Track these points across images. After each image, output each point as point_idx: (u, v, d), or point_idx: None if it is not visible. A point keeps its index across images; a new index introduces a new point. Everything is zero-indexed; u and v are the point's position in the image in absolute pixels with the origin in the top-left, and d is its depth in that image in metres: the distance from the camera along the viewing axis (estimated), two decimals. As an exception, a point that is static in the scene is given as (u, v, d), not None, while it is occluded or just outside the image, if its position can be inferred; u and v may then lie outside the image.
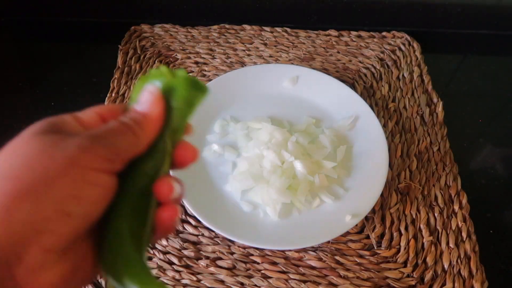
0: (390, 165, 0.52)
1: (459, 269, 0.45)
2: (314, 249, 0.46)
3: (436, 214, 0.49)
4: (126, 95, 0.58)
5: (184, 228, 0.47)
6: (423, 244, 0.47)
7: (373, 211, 0.49)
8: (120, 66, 0.62)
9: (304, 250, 0.46)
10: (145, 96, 0.24)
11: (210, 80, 0.60)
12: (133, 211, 0.22)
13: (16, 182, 0.19)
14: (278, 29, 0.68)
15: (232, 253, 0.46)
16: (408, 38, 0.68)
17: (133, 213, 0.22)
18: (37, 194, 0.19)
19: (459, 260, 0.46)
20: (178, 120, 0.24)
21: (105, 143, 0.21)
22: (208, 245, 0.46)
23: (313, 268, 0.45)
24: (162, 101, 0.24)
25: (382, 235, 0.48)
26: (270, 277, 0.44)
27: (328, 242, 0.47)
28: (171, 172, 0.43)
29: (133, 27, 0.68)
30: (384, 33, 0.69)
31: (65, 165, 0.19)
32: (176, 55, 0.64)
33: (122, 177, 0.22)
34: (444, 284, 0.44)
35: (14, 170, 0.19)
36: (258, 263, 0.45)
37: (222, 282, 0.44)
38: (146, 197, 0.23)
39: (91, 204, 0.20)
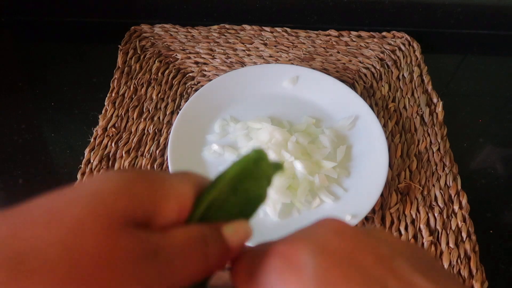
0: (390, 165, 0.52)
1: (459, 269, 0.45)
2: (314, 249, 0.46)
3: (436, 214, 0.49)
4: (126, 95, 0.58)
5: (184, 228, 0.47)
6: (423, 244, 0.47)
7: (373, 211, 0.49)
8: (120, 66, 0.62)
9: (304, 250, 0.46)
10: (240, 231, 0.20)
11: (210, 80, 0.60)
12: None
13: None
14: (278, 29, 0.68)
15: (232, 253, 0.46)
16: (408, 38, 0.68)
17: None
18: None
19: (459, 260, 0.46)
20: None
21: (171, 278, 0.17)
22: (208, 245, 0.46)
23: (313, 268, 0.45)
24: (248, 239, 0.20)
25: (382, 235, 0.48)
26: (270, 277, 0.44)
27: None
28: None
29: (133, 27, 0.68)
30: (384, 33, 0.69)
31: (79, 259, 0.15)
32: (176, 55, 0.64)
33: None
34: (444, 284, 0.44)
35: None
36: (258, 263, 0.45)
37: (222, 282, 0.43)
38: None
39: None
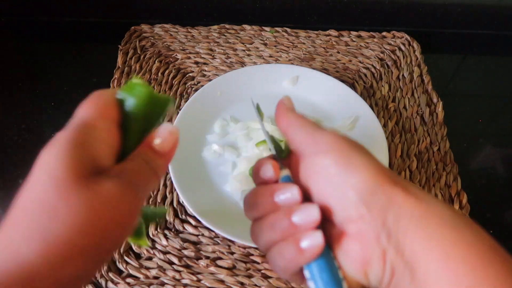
0: (390, 165, 0.52)
1: (459, 269, 0.45)
2: (314, 249, 0.46)
3: (436, 214, 0.49)
4: (126, 95, 0.58)
5: (184, 228, 0.47)
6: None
7: (373, 211, 0.49)
8: (120, 66, 0.62)
9: (304, 250, 0.46)
10: (167, 136, 0.25)
11: (210, 80, 0.60)
12: None
13: (62, 244, 0.20)
14: (278, 29, 0.68)
15: (232, 253, 0.46)
16: (408, 38, 0.68)
17: None
18: (84, 254, 0.20)
19: (459, 260, 0.46)
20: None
21: (140, 195, 0.23)
22: (208, 245, 0.46)
23: (313, 268, 0.45)
24: (178, 142, 0.25)
25: (382, 235, 0.48)
26: (270, 277, 0.44)
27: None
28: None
29: (133, 27, 0.68)
30: (384, 33, 0.69)
31: (104, 226, 0.21)
32: (176, 55, 0.64)
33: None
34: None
35: (55, 230, 0.20)
36: (258, 263, 0.45)
37: (222, 282, 0.44)
38: None
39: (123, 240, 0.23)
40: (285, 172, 0.26)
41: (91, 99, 0.25)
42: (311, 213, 0.23)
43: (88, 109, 0.24)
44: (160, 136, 0.25)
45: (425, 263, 0.21)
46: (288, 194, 0.24)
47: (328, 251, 0.23)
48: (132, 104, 0.25)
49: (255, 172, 0.27)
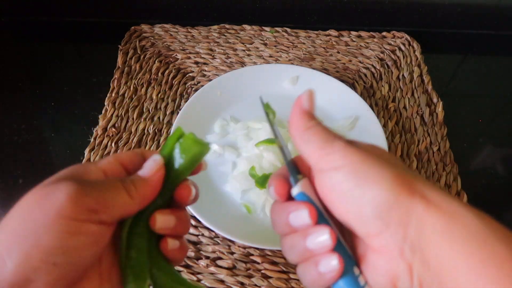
0: (390, 165, 0.52)
1: (459, 269, 0.45)
2: (314, 249, 0.46)
3: (436, 214, 0.49)
4: (126, 95, 0.58)
5: (184, 228, 0.47)
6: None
7: (373, 211, 0.49)
8: (120, 66, 0.62)
9: (304, 250, 0.46)
10: (149, 164, 0.26)
11: (210, 80, 0.60)
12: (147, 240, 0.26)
13: (11, 233, 0.21)
14: (278, 29, 0.68)
15: (232, 253, 0.46)
16: (408, 38, 0.68)
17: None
18: (26, 246, 0.20)
19: (459, 260, 0.46)
20: (181, 173, 0.27)
21: (94, 195, 0.23)
22: (208, 245, 0.46)
23: (313, 268, 0.45)
24: (162, 170, 0.26)
25: (382, 235, 0.48)
26: (270, 277, 0.44)
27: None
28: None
29: (133, 27, 0.68)
30: (384, 33, 0.69)
31: (52, 217, 0.21)
32: (176, 55, 0.64)
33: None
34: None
35: (12, 222, 0.21)
36: (258, 263, 0.45)
37: (222, 282, 0.44)
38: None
39: (77, 253, 0.22)
40: (299, 189, 0.25)
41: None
42: (322, 238, 0.23)
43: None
44: (145, 164, 0.26)
45: (452, 280, 0.20)
46: (300, 217, 0.24)
47: (352, 269, 0.23)
48: (181, 163, 0.27)
49: (270, 188, 0.26)
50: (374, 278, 0.23)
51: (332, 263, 0.22)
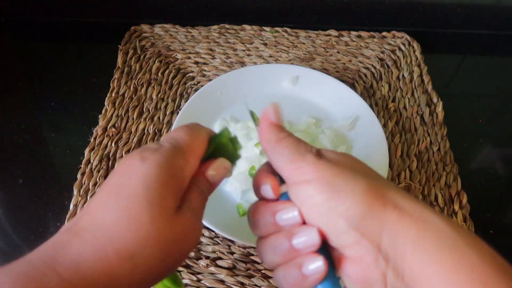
0: (390, 165, 0.52)
1: (459, 269, 0.45)
2: (314, 249, 0.46)
3: (436, 214, 0.49)
4: (126, 95, 0.58)
5: (184, 228, 0.47)
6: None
7: (373, 211, 0.49)
8: (120, 66, 0.62)
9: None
10: (221, 172, 0.28)
11: (210, 80, 0.60)
12: None
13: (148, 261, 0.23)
14: (278, 29, 0.68)
15: (232, 253, 0.46)
16: (408, 38, 0.68)
17: None
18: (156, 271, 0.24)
19: (459, 260, 0.46)
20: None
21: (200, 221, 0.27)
22: (208, 245, 0.46)
23: (313, 268, 0.45)
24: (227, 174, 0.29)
25: (382, 235, 0.48)
26: (270, 277, 0.44)
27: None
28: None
29: (133, 27, 0.68)
30: (384, 33, 0.69)
31: (179, 252, 0.25)
32: (176, 55, 0.64)
33: None
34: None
35: (138, 247, 0.23)
36: (258, 263, 0.45)
37: (222, 282, 0.44)
38: None
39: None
40: (285, 188, 0.25)
41: (192, 130, 0.28)
42: (311, 237, 0.23)
43: (187, 139, 0.27)
44: (215, 169, 0.28)
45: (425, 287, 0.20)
46: (289, 215, 0.24)
47: (333, 272, 0.23)
48: (216, 149, 0.29)
49: (255, 186, 0.27)
50: (349, 286, 0.23)
51: (318, 264, 0.22)
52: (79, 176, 0.50)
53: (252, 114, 0.31)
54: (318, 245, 0.23)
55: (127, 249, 0.22)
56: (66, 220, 0.46)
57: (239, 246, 0.46)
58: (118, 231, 0.22)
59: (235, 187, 0.49)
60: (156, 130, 0.55)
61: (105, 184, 0.25)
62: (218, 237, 0.47)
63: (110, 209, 0.23)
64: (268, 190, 0.25)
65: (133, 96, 0.58)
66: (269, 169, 0.27)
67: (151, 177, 0.23)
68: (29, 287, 0.19)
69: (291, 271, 0.23)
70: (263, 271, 0.44)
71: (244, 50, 0.66)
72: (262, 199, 0.26)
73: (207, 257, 0.45)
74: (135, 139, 0.54)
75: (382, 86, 0.62)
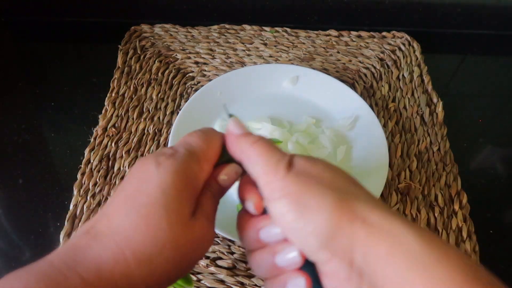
0: (390, 165, 0.52)
1: (459, 269, 0.45)
2: (314, 249, 0.46)
3: (436, 214, 0.49)
4: (126, 95, 0.58)
5: (184, 228, 0.47)
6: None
7: (373, 211, 0.49)
8: (120, 66, 0.62)
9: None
10: (232, 177, 0.29)
11: (210, 80, 0.60)
12: None
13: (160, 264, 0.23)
14: (278, 29, 0.68)
15: (232, 253, 0.46)
16: (408, 38, 0.68)
17: None
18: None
19: (459, 260, 0.46)
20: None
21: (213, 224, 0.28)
22: (208, 245, 0.46)
23: (313, 268, 0.45)
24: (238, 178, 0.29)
25: (382, 235, 0.48)
26: (270, 277, 0.44)
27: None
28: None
29: (133, 27, 0.68)
30: (384, 33, 0.69)
31: (194, 257, 0.26)
32: (176, 55, 0.64)
33: None
34: (444, 284, 0.44)
35: (154, 252, 0.23)
36: (258, 263, 0.45)
37: (222, 282, 0.44)
38: None
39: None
40: None
41: (207, 135, 0.28)
42: (291, 255, 0.23)
43: (202, 145, 0.27)
44: (227, 174, 0.28)
45: None
46: (271, 233, 0.24)
47: (320, 286, 0.23)
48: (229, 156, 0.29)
49: (240, 197, 0.27)
50: None
51: (299, 283, 0.23)
52: (79, 176, 0.50)
53: (232, 118, 0.31)
54: (299, 263, 0.23)
55: (145, 254, 0.22)
56: (66, 220, 0.46)
57: (239, 246, 0.46)
58: (136, 236, 0.23)
59: (235, 187, 0.49)
60: (156, 130, 0.55)
61: (122, 189, 0.25)
62: (218, 237, 0.47)
63: (128, 215, 0.23)
64: (251, 206, 0.26)
65: (133, 96, 0.58)
66: (249, 181, 0.27)
67: (168, 185, 0.24)
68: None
69: (278, 287, 0.24)
70: (263, 271, 0.44)
71: (244, 50, 0.66)
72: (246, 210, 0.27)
73: (207, 257, 0.45)
74: (135, 139, 0.54)
75: (382, 86, 0.62)
